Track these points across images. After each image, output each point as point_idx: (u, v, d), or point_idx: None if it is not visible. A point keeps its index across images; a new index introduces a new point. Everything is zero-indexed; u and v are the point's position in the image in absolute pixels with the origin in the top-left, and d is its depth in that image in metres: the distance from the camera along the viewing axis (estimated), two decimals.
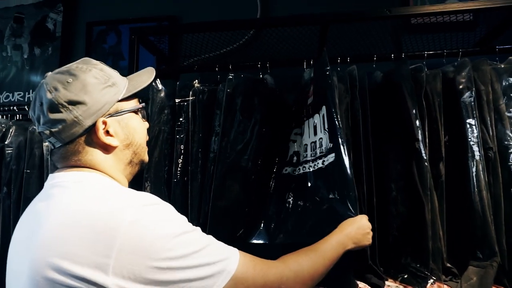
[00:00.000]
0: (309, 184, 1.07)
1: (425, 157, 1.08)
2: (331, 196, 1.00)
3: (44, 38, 2.13)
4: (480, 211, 1.05)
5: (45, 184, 0.76)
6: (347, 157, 0.99)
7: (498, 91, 1.16)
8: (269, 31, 1.49)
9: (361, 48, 1.49)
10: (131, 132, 0.80)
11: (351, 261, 0.98)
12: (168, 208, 0.70)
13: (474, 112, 1.11)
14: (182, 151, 1.30)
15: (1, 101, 2.13)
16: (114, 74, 0.80)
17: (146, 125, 0.87)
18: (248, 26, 1.64)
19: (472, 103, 1.12)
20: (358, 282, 1.05)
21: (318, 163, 1.06)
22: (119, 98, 0.78)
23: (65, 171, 0.75)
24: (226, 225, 1.16)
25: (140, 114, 0.84)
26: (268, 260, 0.77)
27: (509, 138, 1.12)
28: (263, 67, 1.39)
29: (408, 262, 1.09)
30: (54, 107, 0.71)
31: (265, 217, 1.13)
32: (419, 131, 1.09)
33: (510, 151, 1.11)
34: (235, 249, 0.73)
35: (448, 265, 1.09)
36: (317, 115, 1.11)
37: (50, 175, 0.76)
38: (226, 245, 0.73)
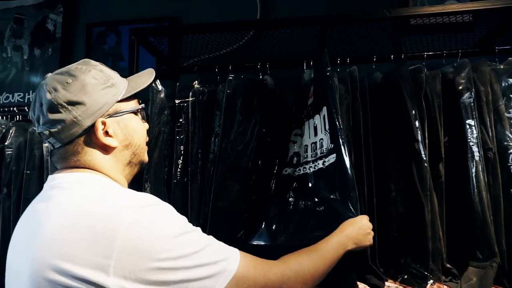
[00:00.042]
0: (310, 185, 1.07)
1: (424, 158, 1.09)
2: (331, 196, 1.00)
3: (44, 39, 2.14)
4: (480, 211, 1.05)
5: (45, 185, 0.76)
6: (348, 158, 0.99)
7: (497, 92, 1.16)
8: (269, 32, 1.49)
9: (360, 49, 1.50)
10: (130, 132, 0.80)
11: (353, 262, 0.98)
12: (168, 209, 0.70)
13: (474, 113, 1.12)
14: (182, 152, 1.30)
15: (1, 102, 2.13)
16: (114, 75, 0.80)
17: (146, 126, 0.87)
18: (248, 27, 1.64)
19: (472, 104, 1.12)
20: (358, 283, 1.05)
21: (318, 163, 1.07)
22: (119, 99, 0.78)
23: (65, 172, 0.75)
24: (226, 226, 1.16)
25: (139, 115, 0.84)
26: (268, 260, 0.77)
27: (508, 139, 1.12)
28: (263, 68, 1.39)
29: (408, 263, 1.09)
30: (54, 107, 0.72)
31: (266, 218, 1.13)
32: (419, 131, 1.09)
33: (509, 151, 1.11)
34: (236, 249, 0.73)
35: (448, 265, 1.09)
36: (317, 115, 1.11)
37: (50, 176, 0.76)
38: (226, 245, 0.73)
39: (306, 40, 1.52)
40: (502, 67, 1.19)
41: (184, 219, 0.71)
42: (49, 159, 1.44)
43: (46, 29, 2.14)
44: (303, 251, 0.84)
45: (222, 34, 1.56)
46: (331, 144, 1.03)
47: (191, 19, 1.93)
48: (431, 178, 1.10)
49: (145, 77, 0.86)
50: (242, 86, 1.27)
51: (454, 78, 1.17)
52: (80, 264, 0.60)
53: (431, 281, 1.04)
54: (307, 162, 1.11)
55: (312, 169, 1.08)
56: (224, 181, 1.18)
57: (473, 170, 1.08)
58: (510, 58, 1.20)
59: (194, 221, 1.21)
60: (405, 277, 1.08)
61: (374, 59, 1.34)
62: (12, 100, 2.13)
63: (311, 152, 1.11)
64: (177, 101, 1.34)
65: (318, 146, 1.09)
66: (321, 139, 1.08)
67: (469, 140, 1.10)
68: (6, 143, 1.56)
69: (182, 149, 1.30)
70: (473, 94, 1.13)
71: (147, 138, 0.88)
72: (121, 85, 0.80)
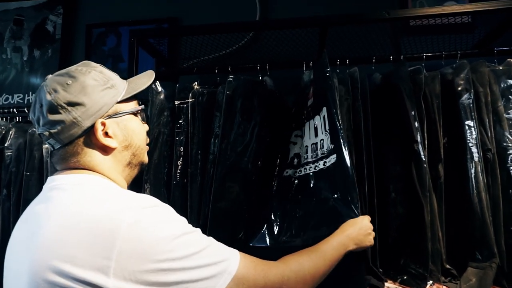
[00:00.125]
0: (311, 186, 1.07)
1: (424, 159, 1.09)
2: (332, 197, 1.00)
3: (44, 40, 2.14)
4: (479, 212, 1.05)
5: (44, 186, 0.76)
6: (348, 158, 0.99)
7: (496, 93, 1.16)
8: (268, 33, 1.50)
9: (360, 50, 1.50)
10: (130, 133, 0.80)
11: (362, 262, 0.98)
12: (167, 210, 0.70)
13: (473, 113, 1.12)
14: (182, 153, 1.30)
15: (1, 103, 2.13)
16: (114, 76, 0.80)
17: (146, 127, 0.87)
18: (248, 29, 1.65)
19: (471, 105, 1.12)
20: None
21: (319, 164, 1.07)
22: (118, 100, 0.78)
23: (64, 174, 0.75)
24: (226, 227, 1.16)
25: (139, 116, 0.85)
26: (268, 261, 0.77)
27: (507, 140, 1.12)
28: (262, 69, 1.39)
29: (407, 264, 1.10)
30: (54, 108, 0.72)
31: (267, 220, 1.12)
32: (418, 132, 1.09)
33: (508, 152, 1.11)
34: (235, 250, 0.73)
35: (447, 266, 1.10)
36: (317, 116, 1.12)
37: (49, 178, 0.76)
38: (226, 246, 0.73)
39: (306, 41, 1.52)
40: (501, 68, 1.19)
41: (183, 220, 0.71)
42: (48, 160, 1.44)
43: (45, 31, 2.14)
44: (303, 251, 0.84)
45: (222, 35, 1.56)
46: (332, 145, 1.03)
47: (191, 21, 1.94)
48: (430, 179, 1.10)
49: (145, 79, 0.86)
50: (241, 87, 1.27)
51: (453, 79, 1.17)
52: (80, 265, 0.60)
53: (431, 281, 1.05)
54: (308, 163, 1.11)
55: (312, 170, 1.08)
56: (224, 182, 1.18)
57: (472, 171, 1.08)
58: (509, 59, 1.20)
59: (194, 222, 1.21)
60: (405, 277, 1.08)
61: (374, 60, 1.34)
62: (12, 101, 2.13)
63: (312, 153, 1.11)
64: (176, 102, 1.34)
65: (318, 147, 1.09)
66: (322, 139, 1.08)
67: (468, 141, 1.10)
68: (5, 144, 1.56)
69: (181, 150, 1.30)
70: (472, 95, 1.13)
71: (148, 139, 0.88)
72: (121, 87, 0.80)
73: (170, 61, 1.88)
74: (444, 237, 1.11)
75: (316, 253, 0.84)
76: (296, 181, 1.13)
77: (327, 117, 1.07)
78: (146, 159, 0.87)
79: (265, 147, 1.22)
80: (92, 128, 0.74)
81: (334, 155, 1.01)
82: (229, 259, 0.70)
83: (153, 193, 1.26)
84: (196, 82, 1.36)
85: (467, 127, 1.11)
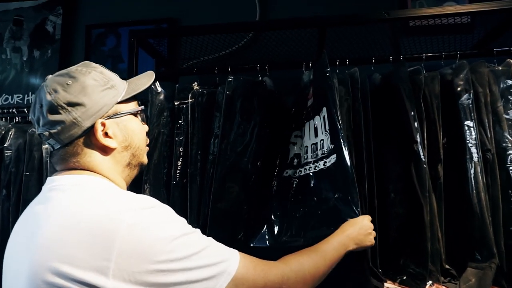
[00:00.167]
0: (311, 186, 1.07)
1: (423, 159, 1.09)
2: (333, 197, 1.00)
3: (44, 40, 2.14)
4: (479, 212, 1.05)
5: (43, 187, 0.76)
6: (348, 158, 0.99)
7: (496, 93, 1.16)
8: (268, 33, 1.50)
9: (359, 50, 1.50)
10: (129, 134, 0.80)
11: (364, 262, 0.98)
12: (167, 211, 0.70)
13: (472, 114, 1.12)
14: (181, 153, 1.30)
15: (1, 104, 2.13)
16: (114, 77, 0.81)
17: (146, 127, 0.87)
18: (247, 29, 1.65)
19: (470, 105, 1.13)
20: None
21: (319, 164, 1.07)
22: (118, 100, 0.78)
23: (64, 174, 0.75)
24: (226, 227, 1.16)
25: (139, 116, 0.85)
26: (268, 261, 0.77)
27: (507, 140, 1.12)
28: (262, 70, 1.40)
29: (407, 264, 1.09)
30: (54, 108, 0.72)
31: (267, 220, 1.12)
32: (418, 133, 1.09)
33: (508, 153, 1.11)
34: (235, 251, 0.73)
35: (447, 266, 1.10)
36: (317, 116, 1.12)
37: (49, 178, 0.76)
38: (226, 247, 0.73)
39: (305, 42, 1.52)
40: (500, 68, 1.19)
41: (183, 220, 0.71)
42: (48, 161, 1.44)
43: (45, 31, 2.14)
44: (303, 251, 0.84)
45: (221, 36, 1.56)
46: (332, 145, 1.03)
47: (191, 21, 1.94)
48: (430, 179, 1.10)
49: (145, 79, 0.86)
50: (241, 88, 1.27)
51: (453, 80, 1.17)
52: (79, 266, 0.60)
53: (430, 282, 1.05)
54: (308, 163, 1.11)
55: (312, 170, 1.08)
56: (223, 182, 1.18)
57: (472, 171, 1.08)
58: (508, 60, 1.20)
59: (193, 222, 1.21)
60: (404, 278, 1.08)
61: (373, 61, 1.34)
62: (12, 102, 2.13)
63: (312, 153, 1.11)
64: (176, 103, 1.34)
65: (318, 147, 1.09)
66: (322, 140, 1.08)
67: (467, 141, 1.10)
68: (5, 145, 1.56)
69: (181, 150, 1.30)
70: (471, 95, 1.13)
71: (148, 140, 0.88)
72: (121, 87, 0.80)
73: (170, 61, 1.88)
74: (444, 237, 1.11)
75: (316, 253, 0.84)
76: (296, 181, 1.13)
77: (327, 117, 1.07)
78: (145, 159, 0.87)
79: (265, 148, 1.22)
80: (92, 128, 0.74)
81: (334, 155, 1.02)
82: (229, 260, 0.70)
83: (153, 194, 1.26)
84: (195, 83, 1.36)
85: (466, 128, 1.11)
